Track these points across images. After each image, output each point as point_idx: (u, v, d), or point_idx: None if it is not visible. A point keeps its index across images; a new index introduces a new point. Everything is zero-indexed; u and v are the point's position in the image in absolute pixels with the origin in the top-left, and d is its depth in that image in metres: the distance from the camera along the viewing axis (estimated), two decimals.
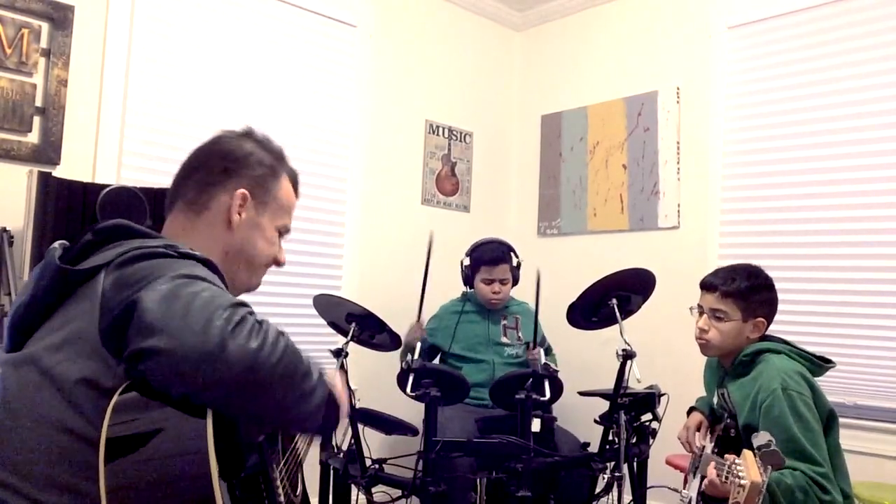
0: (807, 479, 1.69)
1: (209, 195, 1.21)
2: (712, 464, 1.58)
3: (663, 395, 2.48)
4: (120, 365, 0.95)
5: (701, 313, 2.05)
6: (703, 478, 1.66)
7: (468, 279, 3.19)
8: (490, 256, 3.11)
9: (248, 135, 1.29)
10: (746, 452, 1.47)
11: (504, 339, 3.16)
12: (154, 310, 0.90)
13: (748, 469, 1.42)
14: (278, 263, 1.33)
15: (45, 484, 0.94)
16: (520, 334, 3.20)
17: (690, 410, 2.27)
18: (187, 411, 0.92)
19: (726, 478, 1.47)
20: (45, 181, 2.30)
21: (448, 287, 3.33)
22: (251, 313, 0.96)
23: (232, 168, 1.23)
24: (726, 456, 1.52)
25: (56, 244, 1.09)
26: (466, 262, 3.17)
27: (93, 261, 1.04)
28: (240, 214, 1.22)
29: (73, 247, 1.08)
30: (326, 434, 1.13)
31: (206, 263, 1.05)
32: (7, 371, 1.03)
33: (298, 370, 0.98)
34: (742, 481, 1.40)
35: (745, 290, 1.97)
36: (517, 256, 3.18)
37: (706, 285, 2.05)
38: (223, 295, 0.97)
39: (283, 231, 1.31)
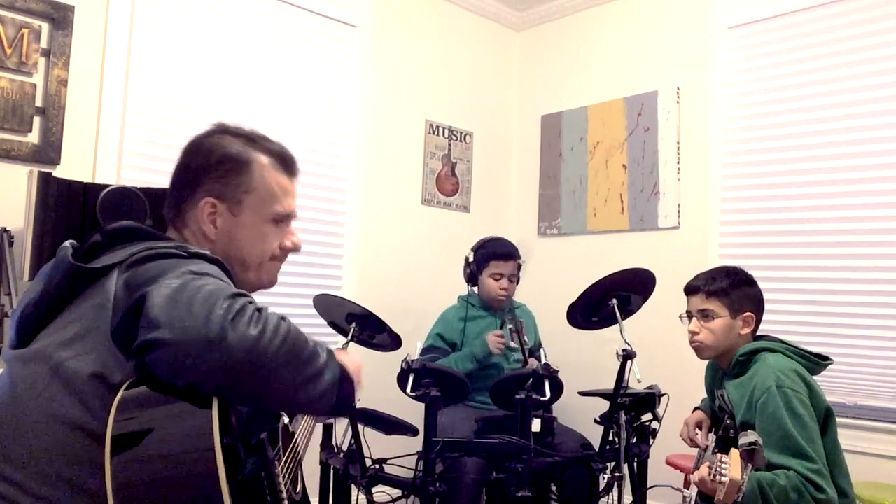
0: (800, 479, 1.69)
1: (182, 213, 1.20)
2: (707, 462, 1.61)
3: (663, 395, 2.48)
4: (130, 361, 0.96)
5: (690, 318, 2.10)
6: None
7: (473, 276, 3.13)
8: (503, 251, 3.11)
9: (216, 130, 1.24)
10: (733, 451, 1.51)
11: (512, 344, 3.14)
12: (160, 304, 0.92)
13: (731, 466, 1.48)
14: (290, 250, 1.27)
15: (50, 480, 0.94)
16: (525, 338, 3.19)
17: (694, 411, 2.29)
18: (195, 402, 0.93)
19: (714, 476, 1.51)
20: (45, 181, 2.31)
21: (448, 287, 3.32)
22: (251, 302, 0.97)
23: (193, 179, 1.19)
24: (716, 454, 1.56)
25: (67, 243, 1.10)
26: (472, 257, 3.12)
27: (104, 260, 1.06)
28: (214, 224, 1.19)
29: (81, 246, 1.09)
30: (343, 413, 1.12)
31: (216, 262, 1.07)
32: (15, 367, 1.03)
33: (303, 353, 0.99)
34: (723, 478, 1.45)
35: (727, 287, 2.04)
36: (520, 258, 3.19)
37: (690, 289, 2.12)
38: (227, 287, 0.98)
39: (280, 219, 1.24)
